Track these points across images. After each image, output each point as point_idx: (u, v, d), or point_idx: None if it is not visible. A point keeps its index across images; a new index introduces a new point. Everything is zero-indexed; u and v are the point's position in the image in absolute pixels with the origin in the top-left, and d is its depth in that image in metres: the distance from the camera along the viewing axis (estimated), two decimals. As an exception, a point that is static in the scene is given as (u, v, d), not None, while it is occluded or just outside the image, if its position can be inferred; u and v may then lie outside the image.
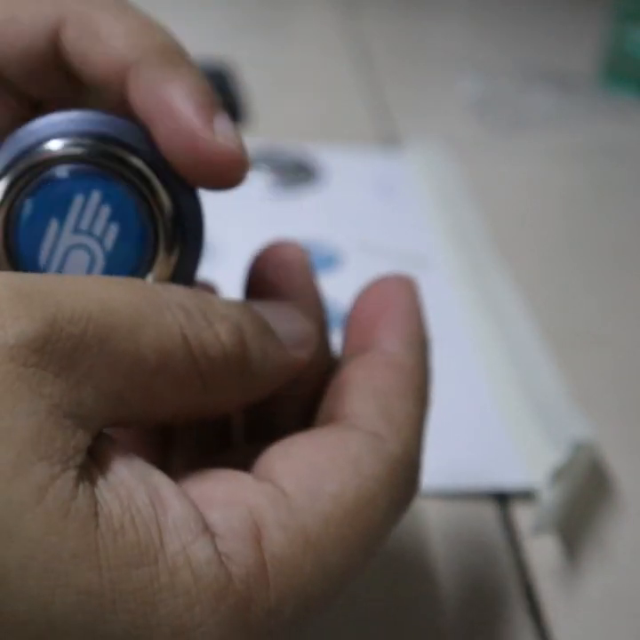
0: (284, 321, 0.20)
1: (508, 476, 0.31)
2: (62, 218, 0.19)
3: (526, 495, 0.31)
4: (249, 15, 0.81)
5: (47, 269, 0.19)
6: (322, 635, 0.25)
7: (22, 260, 0.19)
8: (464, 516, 0.30)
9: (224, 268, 0.24)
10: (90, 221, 0.19)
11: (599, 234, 0.49)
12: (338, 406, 0.20)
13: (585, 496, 0.31)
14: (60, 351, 0.15)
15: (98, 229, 0.19)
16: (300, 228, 0.45)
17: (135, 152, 0.19)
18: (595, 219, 0.50)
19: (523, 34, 0.80)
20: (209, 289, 0.24)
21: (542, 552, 0.29)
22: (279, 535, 0.17)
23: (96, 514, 0.15)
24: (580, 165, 0.56)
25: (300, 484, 0.18)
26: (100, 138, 0.19)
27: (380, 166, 0.53)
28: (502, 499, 0.31)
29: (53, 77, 0.21)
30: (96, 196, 0.19)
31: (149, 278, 0.19)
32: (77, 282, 0.17)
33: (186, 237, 0.19)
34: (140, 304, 0.17)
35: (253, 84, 0.63)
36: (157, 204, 0.19)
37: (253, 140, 0.54)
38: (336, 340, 0.22)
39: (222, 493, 0.17)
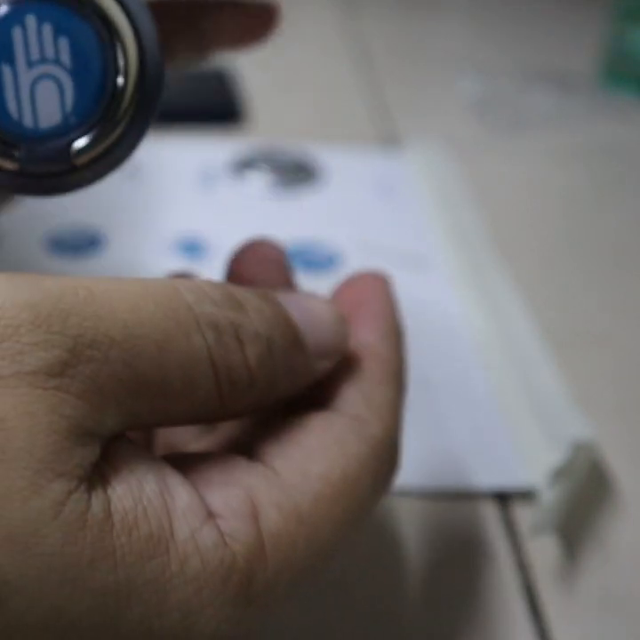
0: (317, 329, 0.20)
1: (508, 476, 0.31)
2: (10, 59, 0.18)
3: (526, 495, 0.31)
4: (249, 15, 0.81)
5: (22, 117, 0.18)
6: (322, 635, 0.25)
7: None
8: (464, 515, 0.30)
9: (223, 267, 0.24)
10: (38, 48, 0.18)
11: (599, 234, 0.49)
12: (321, 392, 0.21)
13: (585, 496, 0.31)
14: (81, 374, 0.15)
15: (49, 51, 0.18)
16: (300, 228, 0.45)
17: None
18: (595, 219, 0.50)
19: (523, 34, 0.80)
20: None
21: (542, 552, 0.29)
22: (274, 513, 0.17)
23: (110, 514, 0.15)
24: (580, 165, 0.56)
25: (290, 464, 0.18)
26: None
27: (379, 166, 0.53)
28: (502, 499, 0.31)
29: None
30: (31, 19, 0.18)
31: (120, 79, 0.19)
32: (103, 298, 0.16)
33: (136, 24, 0.19)
34: (167, 326, 0.17)
35: (253, 84, 0.63)
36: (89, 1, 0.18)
37: (253, 140, 0.54)
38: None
39: (219, 475, 0.18)
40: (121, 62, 0.19)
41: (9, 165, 0.19)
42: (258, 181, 0.50)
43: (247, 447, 0.19)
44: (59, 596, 0.15)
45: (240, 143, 0.54)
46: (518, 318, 0.39)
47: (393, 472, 0.21)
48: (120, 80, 0.19)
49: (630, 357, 0.39)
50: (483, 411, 0.34)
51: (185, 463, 0.18)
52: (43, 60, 0.18)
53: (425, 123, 0.61)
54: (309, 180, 0.50)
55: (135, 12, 0.19)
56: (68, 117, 0.19)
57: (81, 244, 0.43)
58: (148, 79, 0.19)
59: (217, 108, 0.58)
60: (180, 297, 0.17)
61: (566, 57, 0.73)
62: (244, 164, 0.51)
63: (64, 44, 0.18)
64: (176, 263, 0.41)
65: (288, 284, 0.23)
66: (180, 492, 0.16)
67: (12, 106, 0.18)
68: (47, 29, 0.18)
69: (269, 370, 0.18)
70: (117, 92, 0.19)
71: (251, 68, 0.65)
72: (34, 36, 0.18)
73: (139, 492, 0.16)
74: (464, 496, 0.31)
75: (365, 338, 0.22)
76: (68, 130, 0.19)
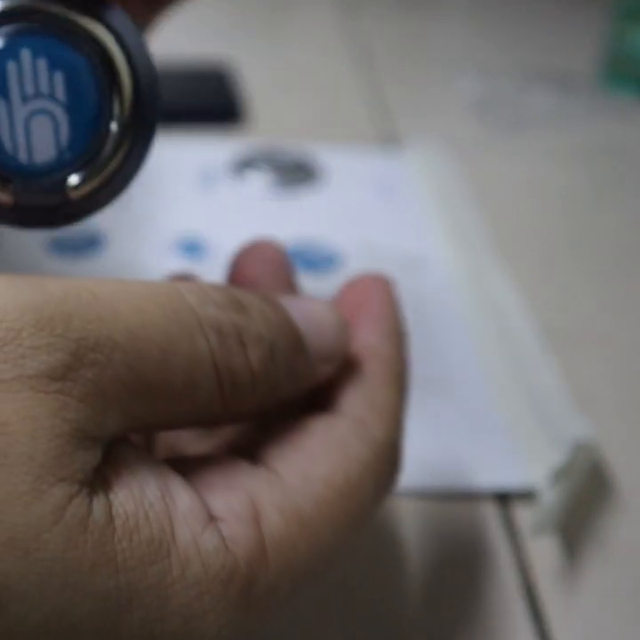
0: (319, 333, 0.20)
1: (508, 476, 0.31)
2: (5, 94, 0.18)
3: (526, 495, 0.31)
4: (249, 15, 0.81)
5: (17, 152, 0.18)
6: (322, 635, 0.25)
7: None
8: (464, 515, 0.30)
9: (224, 267, 0.24)
10: (33, 83, 0.18)
11: (599, 234, 0.49)
12: (323, 393, 0.21)
13: (585, 496, 0.31)
14: (83, 378, 0.15)
15: (44, 86, 0.18)
16: (300, 228, 0.45)
17: None
18: (595, 219, 0.50)
19: (523, 34, 0.80)
20: None
21: (542, 552, 0.29)
22: (276, 516, 0.17)
23: (112, 518, 0.15)
24: (580, 165, 0.56)
25: (292, 467, 0.18)
26: None
27: (379, 166, 0.53)
28: (502, 499, 0.31)
29: None
30: (25, 54, 0.18)
31: (115, 113, 0.18)
32: (106, 301, 0.16)
33: (132, 57, 0.18)
34: (171, 329, 0.17)
35: (253, 84, 0.63)
36: (84, 32, 0.18)
37: (253, 140, 0.54)
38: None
39: (220, 478, 0.18)
40: (116, 98, 0.18)
41: (4, 199, 0.19)
42: (258, 181, 0.50)
43: (249, 450, 0.19)
44: (59, 600, 0.15)
45: (240, 143, 0.54)
46: (518, 318, 0.39)
47: (395, 475, 0.20)
48: (116, 114, 0.19)
49: (630, 357, 0.39)
50: (483, 411, 0.34)
51: (186, 466, 0.18)
52: (37, 94, 0.18)
53: (425, 123, 0.61)
54: (309, 179, 0.50)
55: (130, 42, 0.18)
56: (63, 152, 0.19)
57: (81, 244, 0.43)
58: (145, 113, 0.19)
59: (217, 108, 0.58)
60: (183, 299, 0.17)
61: (566, 57, 0.73)
62: (244, 164, 0.51)
63: (59, 78, 0.18)
64: (176, 263, 0.41)
65: (290, 285, 0.23)
66: (181, 495, 0.16)
67: (6, 140, 0.18)
68: (42, 64, 0.18)
69: (271, 373, 0.18)
70: (112, 127, 0.19)
71: (251, 68, 0.65)
72: (29, 70, 0.18)
73: (140, 496, 0.16)
74: (464, 496, 0.31)
75: (367, 339, 0.22)
76: (63, 165, 0.19)
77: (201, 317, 0.17)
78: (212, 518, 0.17)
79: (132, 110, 0.19)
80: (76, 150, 0.19)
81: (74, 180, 0.19)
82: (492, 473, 0.31)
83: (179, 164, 0.51)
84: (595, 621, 0.27)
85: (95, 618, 0.15)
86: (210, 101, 0.59)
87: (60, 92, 0.18)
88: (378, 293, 0.23)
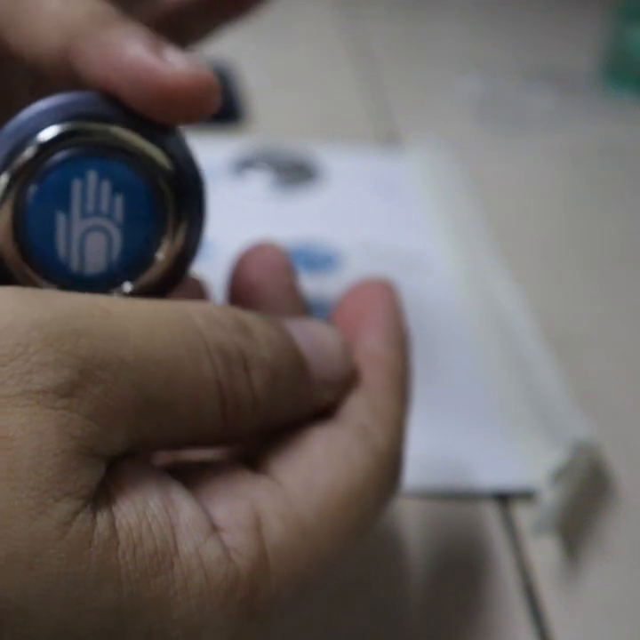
0: (323, 358, 0.20)
1: (508, 476, 0.31)
2: (67, 208, 0.18)
3: (526, 495, 0.31)
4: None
5: (69, 262, 0.19)
6: (322, 635, 0.25)
7: (40, 258, 0.19)
8: (464, 515, 0.30)
9: (223, 267, 0.24)
10: (94, 202, 0.19)
11: (599, 233, 0.49)
12: None
13: (585, 496, 0.31)
14: (91, 395, 0.15)
15: (104, 206, 0.19)
16: (300, 228, 0.45)
17: (109, 120, 0.18)
18: (595, 218, 0.50)
19: (523, 34, 0.80)
20: (205, 288, 0.24)
21: (543, 552, 0.29)
22: (278, 525, 0.17)
23: (115, 532, 0.15)
24: (580, 165, 0.56)
25: (294, 476, 0.18)
26: (75, 118, 0.18)
27: (380, 166, 0.53)
28: (502, 499, 0.31)
29: None
30: (92, 175, 0.18)
31: (166, 241, 0.19)
32: (117, 319, 0.16)
33: (187, 184, 0.19)
34: (178, 351, 0.17)
35: (253, 84, 0.63)
36: (149, 160, 0.19)
37: (254, 140, 0.54)
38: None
39: (223, 487, 0.18)
40: (171, 223, 0.19)
41: None
42: (258, 181, 0.50)
43: (251, 458, 0.19)
44: (63, 614, 0.15)
45: (240, 143, 0.54)
46: (518, 318, 0.39)
47: (396, 484, 0.20)
48: (167, 237, 0.19)
49: (630, 358, 0.39)
50: (483, 411, 0.34)
51: (189, 474, 0.18)
52: (97, 213, 0.19)
53: (425, 123, 0.61)
54: (310, 179, 0.50)
55: (188, 171, 0.19)
56: (112, 266, 0.19)
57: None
58: (192, 243, 0.20)
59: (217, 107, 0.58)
60: (191, 322, 0.17)
61: (566, 57, 0.73)
62: (245, 164, 0.51)
63: (119, 200, 0.19)
64: (176, 263, 0.41)
65: (291, 287, 0.23)
66: (184, 505, 0.16)
67: (61, 250, 0.19)
68: (106, 186, 0.19)
69: (273, 396, 0.18)
70: (159, 256, 0.20)
71: (251, 68, 0.65)
72: (92, 190, 0.19)
73: (143, 508, 0.16)
74: (464, 496, 0.31)
75: (370, 345, 0.22)
76: (111, 277, 0.20)
77: (208, 340, 0.17)
78: (214, 528, 0.17)
79: (183, 238, 0.20)
80: (126, 266, 0.20)
81: (121, 289, 0.20)
82: (492, 473, 0.31)
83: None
84: (595, 621, 0.27)
85: (99, 631, 0.15)
86: (210, 101, 0.59)
87: (119, 213, 0.19)
88: (381, 299, 0.23)
